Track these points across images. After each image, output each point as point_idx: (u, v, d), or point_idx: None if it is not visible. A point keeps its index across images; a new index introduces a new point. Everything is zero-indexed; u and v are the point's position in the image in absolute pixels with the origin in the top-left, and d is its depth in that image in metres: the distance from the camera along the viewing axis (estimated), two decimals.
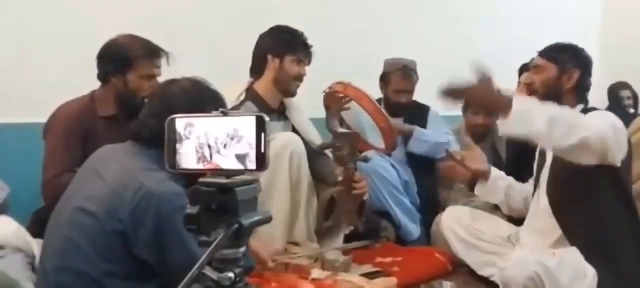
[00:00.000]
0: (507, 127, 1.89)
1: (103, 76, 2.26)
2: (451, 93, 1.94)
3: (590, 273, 1.98)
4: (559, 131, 1.83)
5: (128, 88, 2.22)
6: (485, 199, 2.45)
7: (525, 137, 1.91)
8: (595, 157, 1.90)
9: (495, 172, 2.37)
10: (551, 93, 2.18)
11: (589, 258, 2.00)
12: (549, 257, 1.98)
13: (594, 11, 5.21)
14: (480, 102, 2.08)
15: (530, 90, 2.23)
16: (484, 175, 2.36)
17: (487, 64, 3.60)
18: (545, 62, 2.22)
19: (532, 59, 2.80)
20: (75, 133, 2.17)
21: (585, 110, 2.19)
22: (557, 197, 2.15)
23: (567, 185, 2.10)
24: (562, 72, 2.20)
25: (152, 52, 2.23)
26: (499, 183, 2.37)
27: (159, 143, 1.06)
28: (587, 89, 2.26)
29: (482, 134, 3.26)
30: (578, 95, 2.22)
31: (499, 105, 1.90)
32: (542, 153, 2.30)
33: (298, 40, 2.57)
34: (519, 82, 2.91)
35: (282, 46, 2.54)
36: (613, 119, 2.03)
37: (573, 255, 2.02)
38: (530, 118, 1.85)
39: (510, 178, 2.44)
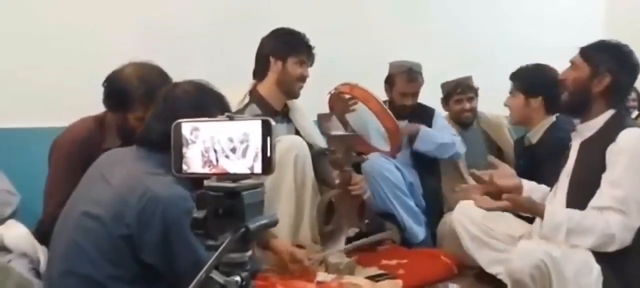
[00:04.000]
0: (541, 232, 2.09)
1: (107, 107, 2.14)
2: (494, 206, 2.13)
3: (596, 269, 1.98)
4: (575, 240, 2.00)
5: (127, 125, 2.06)
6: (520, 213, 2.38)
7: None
8: (613, 247, 1.99)
9: (527, 185, 2.26)
10: (579, 93, 2.15)
11: (598, 258, 1.99)
12: (555, 248, 1.99)
13: (596, 11, 5.19)
14: (520, 210, 2.21)
15: (563, 86, 2.21)
16: (517, 190, 2.17)
17: (489, 63, 3.62)
18: (580, 61, 2.17)
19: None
20: (78, 164, 1.97)
21: (615, 117, 2.13)
22: (573, 197, 2.13)
23: (586, 188, 2.07)
24: (595, 74, 2.13)
25: (152, 94, 1.95)
26: (534, 197, 2.26)
27: (165, 147, 1.06)
28: (622, 93, 2.21)
29: (469, 121, 3.30)
30: (609, 99, 2.15)
31: (535, 214, 2.14)
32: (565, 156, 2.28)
33: (300, 41, 2.57)
34: (510, 90, 2.90)
35: (285, 48, 2.55)
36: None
37: (580, 250, 2.01)
38: (556, 231, 2.02)
39: (542, 187, 2.37)
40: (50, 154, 2.16)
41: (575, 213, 2.04)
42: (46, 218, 2.03)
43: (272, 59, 2.55)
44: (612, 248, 1.98)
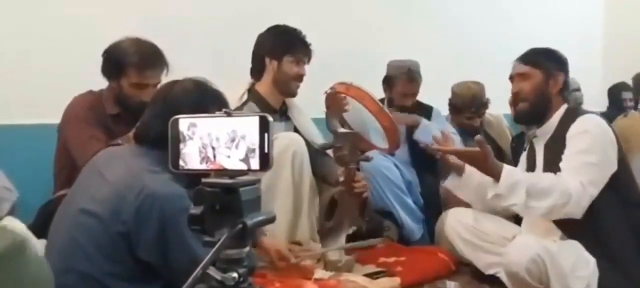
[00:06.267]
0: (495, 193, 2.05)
1: (105, 76, 2.29)
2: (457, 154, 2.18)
3: (591, 261, 2.02)
4: (533, 202, 2.00)
5: (121, 93, 2.25)
6: (455, 193, 2.43)
7: (507, 207, 2.08)
8: (567, 209, 2.01)
9: (469, 169, 2.31)
10: (539, 99, 2.22)
11: (593, 251, 2.03)
12: (551, 243, 2.02)
13: (596, 11, 5.20)
14: (477, 167, 2.14)
15: (519, 98, 2.25)
16: (458, 169, 2.33)
17: (488, 61, 3.62)
18: (529, 68, 2.23)
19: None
20: (92, 120, 2.22)
21: (569, 111, 2.21)
22: None
23: None
24: (548, 77, 2.22)
25: (145, 63, 2.22)
26: (473, 180, 2.31)
27: (163, 144, 1.06)
28: (568, 87, 2.31)
29: (474, 130, 3.29)
30: (561, 96, 2.25)
31: (492, 175, 2.06)
32: (531, 154, 2.30)
33: (296, 40, 2.54)
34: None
35: (280, 47, 2.52)
36: (589, 159, 2.04)
37: (575, 244, 2.05)
38: (513, 190, 2.00)
39: (486, 177, 2.40)
40: (61, 126, 2.27)
41: (532, 175, 2.10)
42: (88, 156, 1.99)
43: (267, 59, 2.53)
44: (565, 211, 2.00)
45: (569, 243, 2.07)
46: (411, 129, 3.08)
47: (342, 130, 2.49)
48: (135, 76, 2.22)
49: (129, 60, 2.21)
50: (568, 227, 2.10)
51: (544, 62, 2.23)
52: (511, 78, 2.31)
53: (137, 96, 2.20)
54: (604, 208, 2.06)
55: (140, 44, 2.25)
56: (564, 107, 2.23)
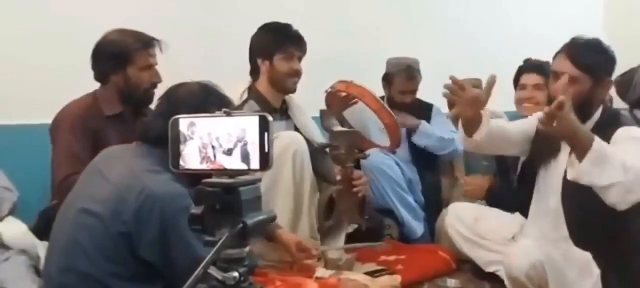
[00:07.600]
0: (580, 169, 1.78)
1: (101, 76, 2.24)
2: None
3: (595, 273, 1.95)
4: (633, 181, 1.74)
5: (130, 83, 2.20)
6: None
7: (594, 184, 1.78)
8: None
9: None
10: (583, 106, 1.97)
11: (599, 262, 1.94)
12: (555, 250, 1.98)
13: (596, 11, 5.19)
14: (564, 130, 1.80)
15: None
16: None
17: (488, 60, 3.62)
18: (580, 73, 1.97)
19: (528, 59, 2.78)
20: (83, 132, 2.15)
21: (605, 116, 2.04)
22: (570, 200, 2.03)
23: (583, 190, 1.91)
24: (598, 84, 2.00)
25: (147, 43, 2.22)
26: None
27: (165, 143, 1.06)
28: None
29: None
30: (603, 100, 2.10)
31: (581, 140, 1.78)
32: (549, 139, 2.14)
33: (284, 36, 2.52)
34: (522, 85, 2.84)
35: (269, 47, 2.51)
36: None
37: (581, 254, 1.98)
38: (608, 163, 1.73)
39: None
40: (52, 132, 2.22)
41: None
42: (58, 187, 2.06)
43: (259, 60, 2.53)
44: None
45: (575, 251, 1.99)
46: (410, 131, 3.08)
47: (338, 128, 2.49)
48: (145, 58, 2.20)
49: (134, 46, 2.19)
50: (579, 235, 2.00)
51: (598, 67, 1.99)
52: (554, 73, 2.05)
53: (147, 80, 2.19)
54: (630, 221, 1.90)
55: (129, 31, 2.24)
56: (600, 110, 2.04)
